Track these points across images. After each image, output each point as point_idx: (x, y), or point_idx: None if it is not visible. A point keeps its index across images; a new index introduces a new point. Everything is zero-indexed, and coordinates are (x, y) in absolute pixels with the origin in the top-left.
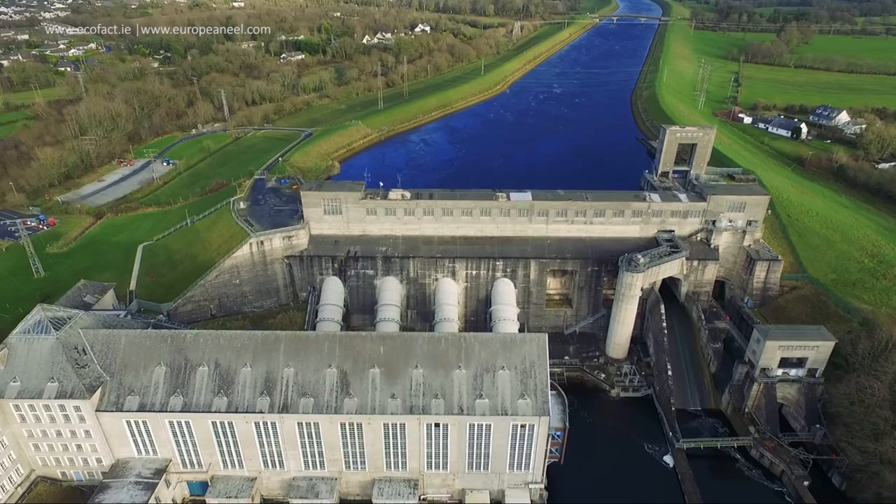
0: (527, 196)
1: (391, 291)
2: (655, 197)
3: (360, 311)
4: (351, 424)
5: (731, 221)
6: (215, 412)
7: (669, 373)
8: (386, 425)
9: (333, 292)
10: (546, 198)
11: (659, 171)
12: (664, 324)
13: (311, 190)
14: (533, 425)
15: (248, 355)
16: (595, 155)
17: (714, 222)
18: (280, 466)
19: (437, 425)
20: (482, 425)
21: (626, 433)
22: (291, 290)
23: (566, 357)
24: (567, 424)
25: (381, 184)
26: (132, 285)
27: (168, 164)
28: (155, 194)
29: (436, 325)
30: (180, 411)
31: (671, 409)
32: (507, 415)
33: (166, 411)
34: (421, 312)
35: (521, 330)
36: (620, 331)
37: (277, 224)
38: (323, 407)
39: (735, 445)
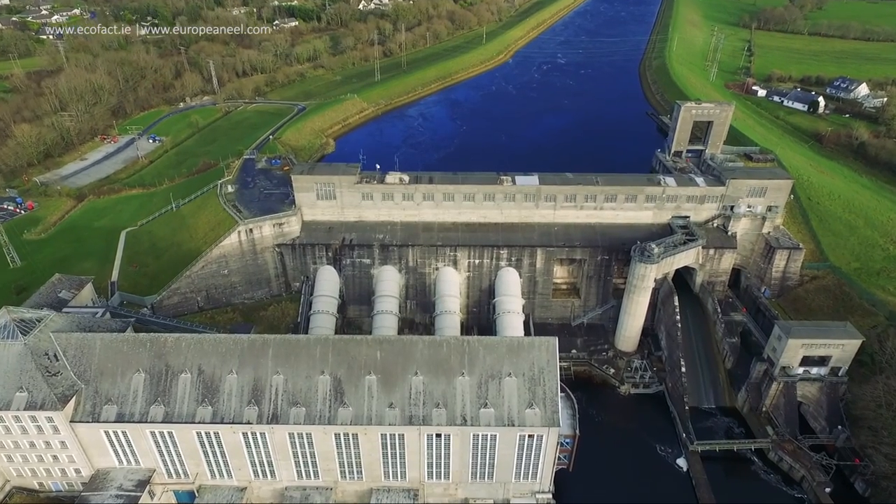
0: (533, 180)
1: (389, 282)
2: (670, 181)
3: (357, 302)
4: (346, 435)
5: (750, 207)
6: (199, 423)
7: (683, 369)
8: (384, 436)
9: (328, 282)
10: (554, 182)
11: (672, 151)
12: (678, 317)
13: (303, 173)
14: (542, 436)
15: (234, 361)
16: (602, 131)
17: (732, 208)
18: (271, 476)
19: (438, 435)
20: (487, 435)
21: (636, 433)
22: (283, 280)
23: (573, 350)
24: (577, 431)
25: (378, 166)
26: (114, 276)
27: (154, 140)
28: (140, 174)
29: (436, 318)
30: (161, 422)
31: (685, 409)
32: (513, 426)
33: (146, 422)
34: (421, 303)
35: (526, 322)
36: (631, 323)
37: (267, 210)
38: (315, 417)
39: (752, 448)
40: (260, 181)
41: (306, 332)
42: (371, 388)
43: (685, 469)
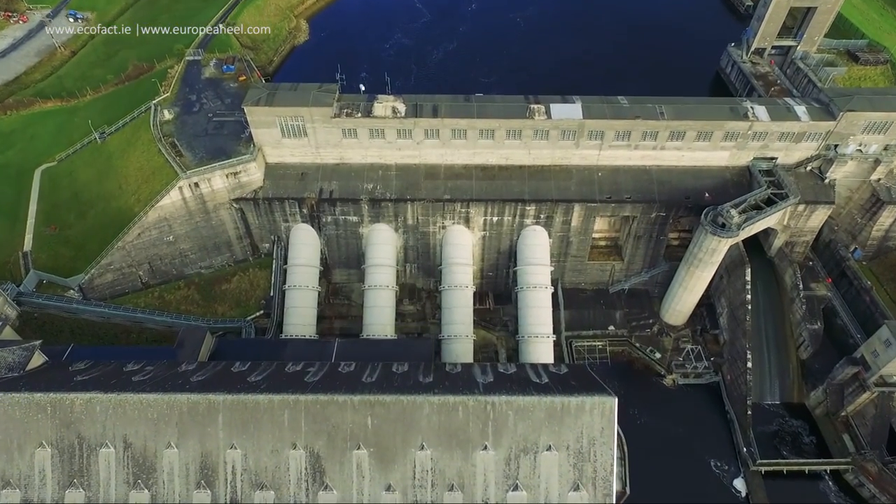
0: (575, 110)
1: (383, 245)
2: (761, 111)
3: (344, 266)
4: None
5: (861, 146)
6: None
7: (749, 364)
8: None
9: (305, 247)
10: (602, 113)
11: (752, 48)
12: (748, 295)
13: (261, 104)
14: None
15: (172, 430)
16: (647, 9)
17: (836, 147)
18: None
19: None
20: None
21: (685, 441)
22: (248, 242)
23: (611, 327)
24: (627, 489)
25: (363, 87)
26: (27, 244)
27: (75, 18)
28: (58, 74)
29: (443, 293)
30: None
31: (746, 414)
32: None
33: None
34: (423, 267)
35: (554, 294)
36: (686, 298)
37: (218, 149)
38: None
39: (828, 469)
40: (208, 100)
41: (282, 312)
42: (361, 465)
43: (744, 494)
